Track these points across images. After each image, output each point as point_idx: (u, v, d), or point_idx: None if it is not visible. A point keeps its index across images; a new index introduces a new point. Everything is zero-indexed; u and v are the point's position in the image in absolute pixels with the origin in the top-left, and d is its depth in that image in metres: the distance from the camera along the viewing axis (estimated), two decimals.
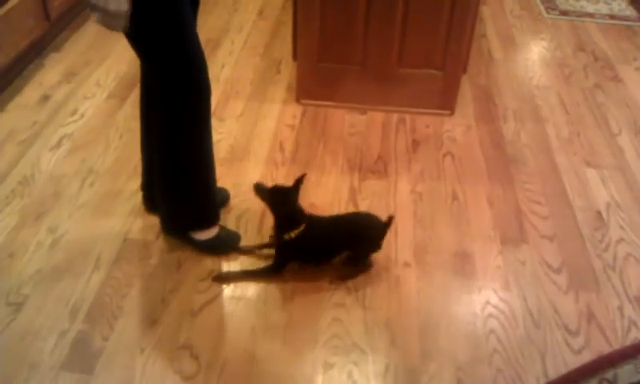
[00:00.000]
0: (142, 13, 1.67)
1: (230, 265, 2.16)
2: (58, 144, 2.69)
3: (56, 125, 2.81)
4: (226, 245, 2.20)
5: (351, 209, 2.40)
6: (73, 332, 1.91)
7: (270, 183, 2.48)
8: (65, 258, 2.15)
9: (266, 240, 2.23)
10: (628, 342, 1.96)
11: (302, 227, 2.01)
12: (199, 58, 1.84)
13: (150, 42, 1.77)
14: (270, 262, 2.12)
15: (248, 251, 2.20)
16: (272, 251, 2.16)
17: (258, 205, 2.39)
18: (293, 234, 2.01)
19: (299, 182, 2.01)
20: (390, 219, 2.09)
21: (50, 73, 3.19)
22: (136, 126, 2.14)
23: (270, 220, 2.33)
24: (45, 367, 1.81)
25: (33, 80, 3.13)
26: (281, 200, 2.02)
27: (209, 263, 2.15)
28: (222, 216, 2.23)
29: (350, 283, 2.09)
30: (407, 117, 2.96)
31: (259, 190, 2.06)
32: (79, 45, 3.45)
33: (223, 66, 3.30)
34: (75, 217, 2.32)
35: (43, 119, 2.85)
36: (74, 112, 2.90)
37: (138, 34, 1.75)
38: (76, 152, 2.64)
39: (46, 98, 3.00)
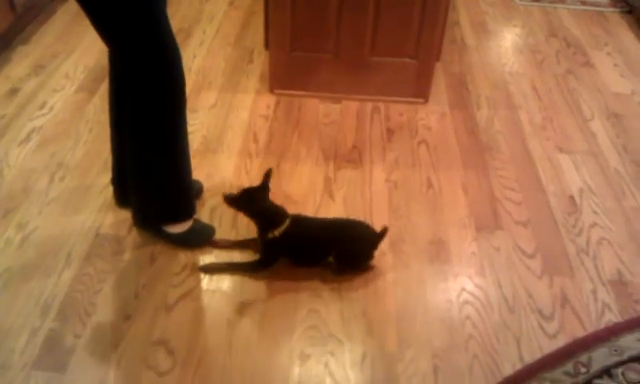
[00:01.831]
0: (112, 2, 1.63)
1: (205, 258, 2.13)
2: (27, 138, 2.63)
3: (25, 119, 2.75)
4: (200, 238, 2.17)
5: (325, 199, 2.39)
6: (44, 330, 1.88)
7: (243, 175, 2.48)
8: (35, 255, 2.11)
9: (244, 236, 2.20)
10: (602, 326, 1.98)
11: (286, 224, 1.99)
12: (173, 48, 1.81)
13: (121, 32, 1.72)
14: (254, 257, 2.10)
15: (223, 246, 2.17)
16: (248, 247, 2.15)
17: None
18: (277, 232, 1.98)
19: (267, 177, 1.99)
20: (385, 230, 2.07)
21: (17, 66, 3.12)
22: (106, 118, 2.10)
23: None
24: (16, 367, 1.77)
25: (0, 73, 3.06)
26: (253, 201, 1.98)
27: (182, 257, 2.13)
28: (196, 209, 2.20)
29: (326, 274, 2.08)
30: (381, 105, 2.95)
31: (229, 199, 1.99)
32: (47, 37, 3.38)
33: (195, 57, 3.26)
34: (45, 212, 2.27)
35: (11, 113, 2.78)
36: (43, 105, 2.84)
37: (108, 22, 1.71)
38: (45, 146, 2.59)
39: (14, 91, 2.93)
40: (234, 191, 2.02)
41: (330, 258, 2.06)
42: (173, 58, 1.81)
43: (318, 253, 2.07)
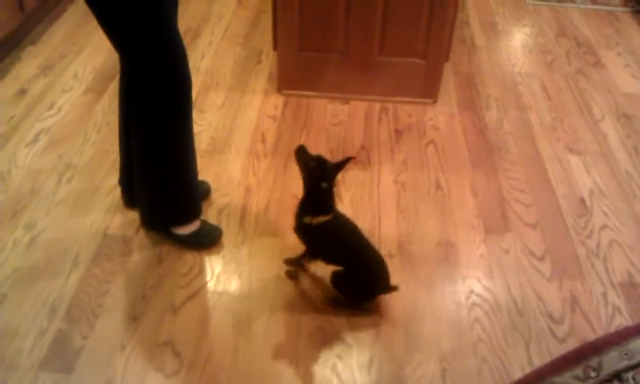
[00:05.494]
0: (120, 4, 1.63)
1: (212, 259, 2.13)
2: (35, 139, 2.64)
3: (33, 119, 2.76)
4: (207, 239, 2.16)
5: None
6: (52, 331, 1.88)
7: (251, 176, 2.48)
8: (43, 256, 2.11)
9: (251, 237, 2.20)
10: (612, 329, 1.96)
11: (328, 218, 1.86)
12: (180, 49, 1.80)
13: (129, 34, 1.72)
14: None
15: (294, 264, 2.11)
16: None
17: (239, 198, 2.38)
18: (314, 221, 1.85)
19: (346, 160, 1.84)
20: (394, 288, 1.94)
21: (26, 66, 3.13)
22: (114, 119, 2.11)
23: (252, 215, 2.31)
24: (23, 367, 1.78)
25: (9, 74, 3.07)
26: (321, 171, 1.81)
27: (190, 258, 2.12)
28: (202, 210, 2.20)
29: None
30: (390, 106, 2.93)
31: (301, 151, 1.85)
32: (56, 37, 3.39)
33: (203, 57, 3.26)
34: (53, 213, 2.28)
35: (20, 114, 2.79)
36: (52, 106, 2.85)
37: (116, 25, 1.71)
38: (53, 147, 2.60)
39: (22, 91, 2.94)
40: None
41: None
42: (179, 60, 1.81)
43: (331, 257, 1.98)
